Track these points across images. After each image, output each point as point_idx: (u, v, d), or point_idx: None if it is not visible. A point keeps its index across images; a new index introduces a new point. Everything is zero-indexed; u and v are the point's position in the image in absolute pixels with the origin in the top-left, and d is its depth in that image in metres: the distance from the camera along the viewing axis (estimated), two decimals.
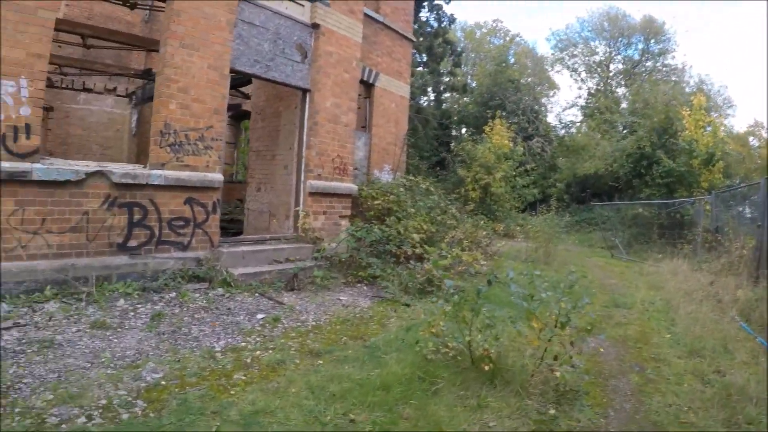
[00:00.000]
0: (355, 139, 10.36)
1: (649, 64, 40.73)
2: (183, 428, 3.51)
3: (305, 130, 8.81)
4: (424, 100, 30.34)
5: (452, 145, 26.65)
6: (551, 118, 38.32)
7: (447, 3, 25.41)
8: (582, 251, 17.63)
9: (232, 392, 4.08)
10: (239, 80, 11.28)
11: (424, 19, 25.36)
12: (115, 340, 4.86)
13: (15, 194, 5.33)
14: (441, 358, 4.68)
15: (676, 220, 16.04)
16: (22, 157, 5.38)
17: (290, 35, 8.54)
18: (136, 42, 9.72)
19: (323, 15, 8.92)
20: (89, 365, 4.27)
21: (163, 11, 7.26)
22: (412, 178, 11.97)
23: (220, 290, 6.78)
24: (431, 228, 9.47)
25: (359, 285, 7.81)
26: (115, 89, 12.96)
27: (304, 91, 8.83)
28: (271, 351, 4.97)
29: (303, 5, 8.75)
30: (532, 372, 4.39)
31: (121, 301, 5.86)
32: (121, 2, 8.49)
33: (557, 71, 51.80)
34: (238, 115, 15.45)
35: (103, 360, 4.39)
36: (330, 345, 5.23)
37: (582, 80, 43.38)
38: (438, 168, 25.37)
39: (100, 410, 3.64)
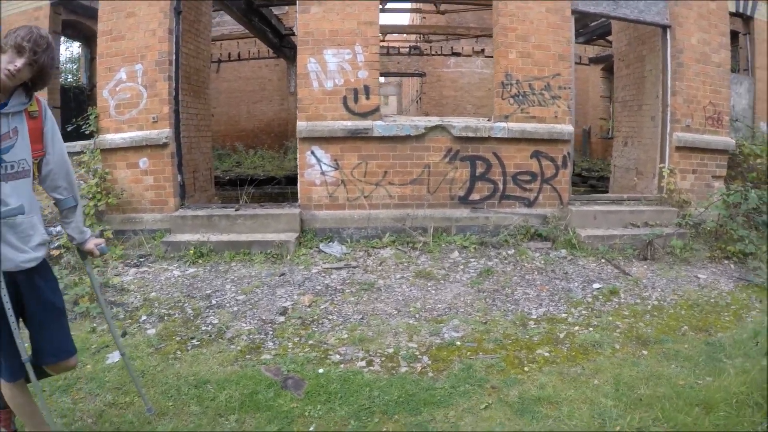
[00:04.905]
0: (734, 84, 8.32)
1: None
2: (454, 395, 3.18)
3: (669, 73, 7.29)
4: None
5: None
6: None
7: None
8: None
9: (526, 369, 3.54)
10: (602, 29, 10.05)
11: None
12: (433, 291, 4.85)
13: (358, 149, 5.95)
14: None
15: None
16: (363, 116, 5.92)
17: None
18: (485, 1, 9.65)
19: None
20: (395, 312, 4.36)
21: None
22: None
23: (563, 251, 6.08)
24: None
25: (726, 262, 6.10)
26: (483, 51, 13.31)
27: (664, 27, 7.20)
28: (591, 329, 4.14)
29: None
30: None
31: (455, 254, 5.87)
32: None
33: None
34: (609, 67, 14.04)
35: (410, 309, 4.41)
36: (664, 333, 4.06)
37: None
38: None
39: (383, 358, 3.62)
